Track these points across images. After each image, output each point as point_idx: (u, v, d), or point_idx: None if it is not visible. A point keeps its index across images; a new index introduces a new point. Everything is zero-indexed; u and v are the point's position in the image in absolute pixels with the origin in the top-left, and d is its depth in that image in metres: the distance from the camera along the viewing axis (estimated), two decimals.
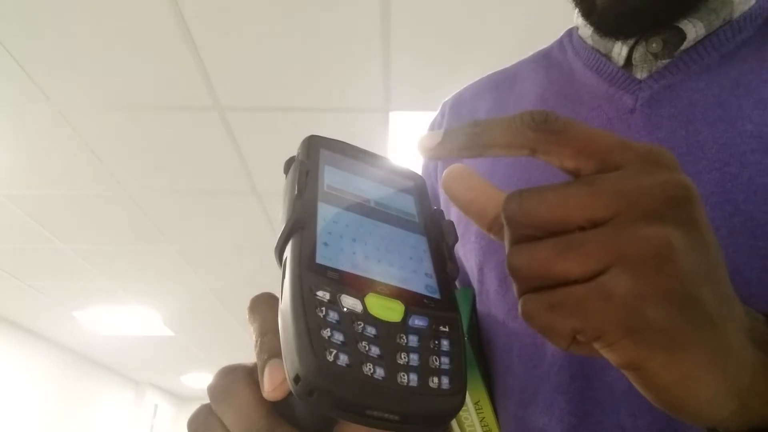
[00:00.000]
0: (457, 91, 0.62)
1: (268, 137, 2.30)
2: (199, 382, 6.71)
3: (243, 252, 3.29)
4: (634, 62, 0.46)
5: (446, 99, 0.62)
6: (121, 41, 1.82)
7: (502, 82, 0.57)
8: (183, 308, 4.26)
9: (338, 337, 0.22)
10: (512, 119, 0.24)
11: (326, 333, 0.22)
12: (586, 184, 0.22)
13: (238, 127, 2.24)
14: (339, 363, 0.22)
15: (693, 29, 0.43)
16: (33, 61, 1.89)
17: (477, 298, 0.51)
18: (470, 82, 0.62)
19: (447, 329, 0.25)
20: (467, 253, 0.51)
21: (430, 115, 0.64)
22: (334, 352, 0.22)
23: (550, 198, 0.22)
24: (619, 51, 0.47)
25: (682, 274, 0.21)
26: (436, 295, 0.27)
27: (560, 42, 0.55)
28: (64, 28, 1.76)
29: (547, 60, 0.55)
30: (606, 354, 0.22)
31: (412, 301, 0.26)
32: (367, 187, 0.31)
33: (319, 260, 0.25)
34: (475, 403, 0.48)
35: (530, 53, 0.61)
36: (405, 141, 2.28)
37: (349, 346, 0.22)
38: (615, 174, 0.23)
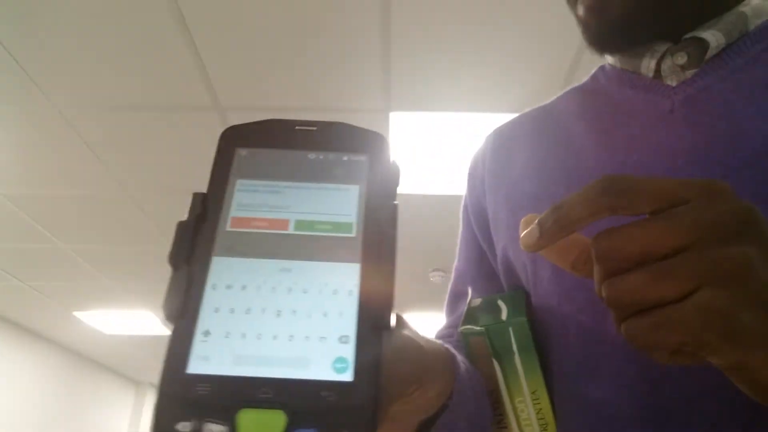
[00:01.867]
0: (499, 125, 0.66)
1: None
2: None
3: None
4: (663, 74, 0.49)
5: (488, 134, 0.66)
6: (121, 41, 1.82)
7: (539, 114, 0.61)
8: None
9: None
10: (586, 192, 0.28)
11: None
12: (665, 219, 0.26)
13: None
14: None
15: (714, 38, 0.47)
16: (33, 61, 1.89)
17: (531, 291, 0.52)
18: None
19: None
20: (517, 248, 0.52)
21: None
22: None
23: (637, 234, 0.26)
24: (648, 64, 0.50)
25: (764, 282, 0.25)
26: (346, 376, 0.21)
27: (593, 76, 0.59)
28: (64, 28, 1.76)
29: (580, 92, 0.58)
30: (711, 359, 0.26)
31: (301, 404, 0.21)
32: (289, 199, 0.26)
33: (191, 368, 0.22)
34: (532, 393, 0.47)
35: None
36: (405, 141, 2.29)
37: None
38: (687, 207, 0.26)
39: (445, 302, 0.65)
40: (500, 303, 0.50)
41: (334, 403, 0.21)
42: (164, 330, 4.74)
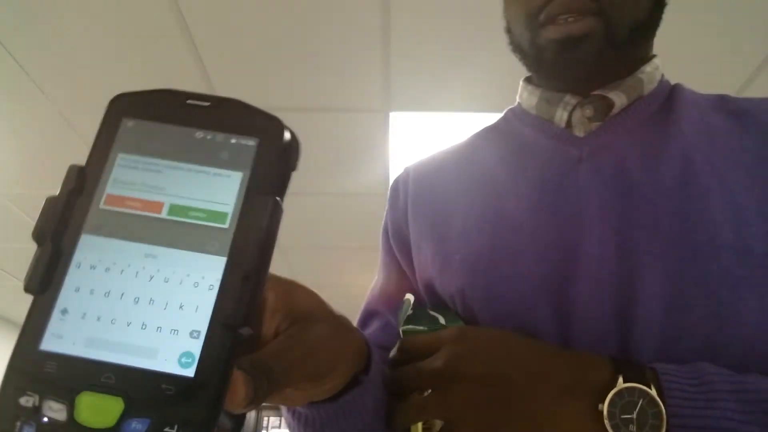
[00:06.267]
0: (420, 160, 0.69)
1: None
2: None
3: None
4: (573, 124, 0.57)
5: (408, 165, 0.69)
6: (121, 41, 1.82)
7: (460, 152, 0.66)
8: None
9: None
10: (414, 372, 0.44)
11: None
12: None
13: None
14: None
15: (619, 99, 0.56)
16: (33, 61, 1.89)
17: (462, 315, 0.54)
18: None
19: (176, 429, 0.21)
20: (444, 280, 0.56)
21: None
22: None
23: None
24: (561, 115, 0.58)
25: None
26: (189, 372, 0.21)
27: (504, 118, 0.66)
28: (64, 28, 1.76)
29: (495, 132, 0.65)
30: None
31: (141, 393, 0.21)
32: (168, 180, 0.25)
33: (43, 345, 0.22)
34: None
35: None
36: (405, 141, 2.28)
37: None
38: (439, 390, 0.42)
39: (357, 319, 0.65)
40: (433, 313, 0.53)
41: (172, 396, 0.21)
42: None
